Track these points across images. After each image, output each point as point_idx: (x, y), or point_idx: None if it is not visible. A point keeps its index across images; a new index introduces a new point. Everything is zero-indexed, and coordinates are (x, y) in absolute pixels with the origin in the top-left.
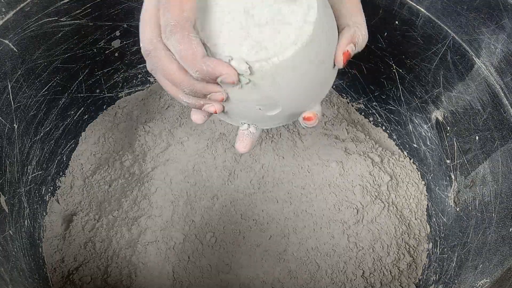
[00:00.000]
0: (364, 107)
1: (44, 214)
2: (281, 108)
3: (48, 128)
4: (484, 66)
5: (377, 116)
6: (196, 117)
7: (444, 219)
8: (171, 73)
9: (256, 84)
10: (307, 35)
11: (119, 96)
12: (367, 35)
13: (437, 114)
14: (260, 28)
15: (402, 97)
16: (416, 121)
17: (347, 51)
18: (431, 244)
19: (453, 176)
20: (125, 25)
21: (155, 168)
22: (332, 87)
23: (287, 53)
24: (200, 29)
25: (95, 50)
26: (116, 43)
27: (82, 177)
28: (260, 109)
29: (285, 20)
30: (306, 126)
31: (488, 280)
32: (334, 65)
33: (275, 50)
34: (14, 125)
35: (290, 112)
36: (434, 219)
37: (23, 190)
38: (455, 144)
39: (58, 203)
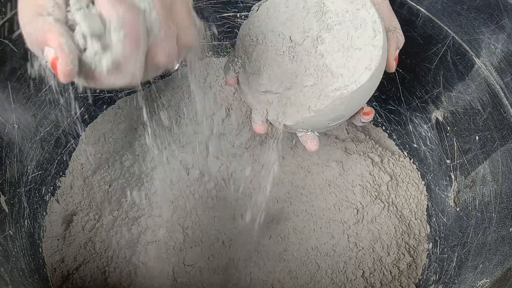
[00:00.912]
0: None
1: (44, 214)
2: (345, 118)
3: (48, 128)
4: (484, 66)
5: (377, 116)
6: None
7: (444, 219)
8: None
9: (333, 108)
10: (377, 60)
11: (119, 96)
12: (402, 33)
13: (437, 114)
14: (332, 55)
15: (402, 97)
16: (416, 121)
17: (396, 56)
18: (431, 244)
19: (453, 176)
20: None
21: (155, 168)
22: None
23: (363, 79)
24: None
25: None
26: None
27: (82, 177)
28: (328, 123)
29: (355, 45)
30: (364, 121)
31: (488, 280)
32: None
33: (350, 77)
34: (14, 125)
35: (348, 119)
36: (434, 219)
37: (23, 190)
38: (455, 144)
39: (58, 203)
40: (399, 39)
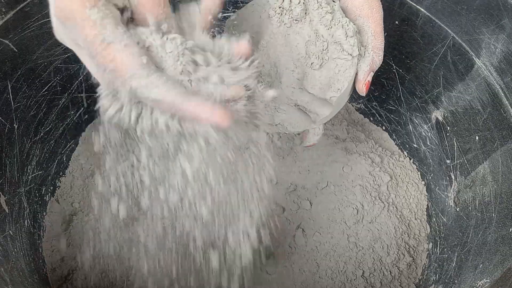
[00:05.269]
0: (364, 107)
1: (44, 214)
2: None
3: (48, 128)
4: (484, 66)
5: (377, 116)
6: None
7: (444, 219)
8: None
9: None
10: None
11: None
12: (383, 56)
13: (437, 114)
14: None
15: (402, 97)
16: (416, 121)
17: (369, 80)
18: (431, 244)
19: (453, 176)
20: None
21: (155, 167)
22: None
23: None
24: None
25: None
26: None
27: (82, 177)
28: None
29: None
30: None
31: (488, 280)
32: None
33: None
34: (14, 125)
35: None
36: (434, 219)
37: (23, 190)
38: (455, 144)
39: (58, 203)
40: (375, 61)
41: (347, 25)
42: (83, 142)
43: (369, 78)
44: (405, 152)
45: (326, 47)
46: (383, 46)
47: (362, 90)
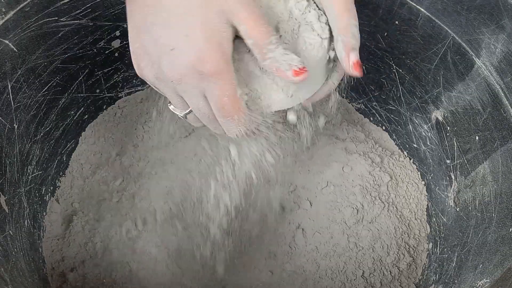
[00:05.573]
0: (364, 107)
1: (44, 214)
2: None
3: (48, 128)
4: (484, 66)
5: (377, 116)
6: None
7: (444, 219)
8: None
9: None
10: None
11: (119, 96)
12: (358, 33)
13: (437, 114)
14: None
15: (402, 97)
16: (416, 121)
17: (354, 61)
18: (431, 244)
19: (453, 176)
20: (125, 25)
21: (154, 168)
22: None
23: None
24: None
25: (95, 50)
26: (116, 43)
27: (82, 177)
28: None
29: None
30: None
31: (488, 280)
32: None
33: None
34: (14, 125)
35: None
36: (434, 219)
37: (23, 190)
38: (455, 144)
39: (58, 203)
40: (347, 41)
41: (321, 13)
42: (83, 142)
43: (353, 59)
44: (405, 152)
45: (297, 27)
46: (354, 23)
47: (354, 72)
